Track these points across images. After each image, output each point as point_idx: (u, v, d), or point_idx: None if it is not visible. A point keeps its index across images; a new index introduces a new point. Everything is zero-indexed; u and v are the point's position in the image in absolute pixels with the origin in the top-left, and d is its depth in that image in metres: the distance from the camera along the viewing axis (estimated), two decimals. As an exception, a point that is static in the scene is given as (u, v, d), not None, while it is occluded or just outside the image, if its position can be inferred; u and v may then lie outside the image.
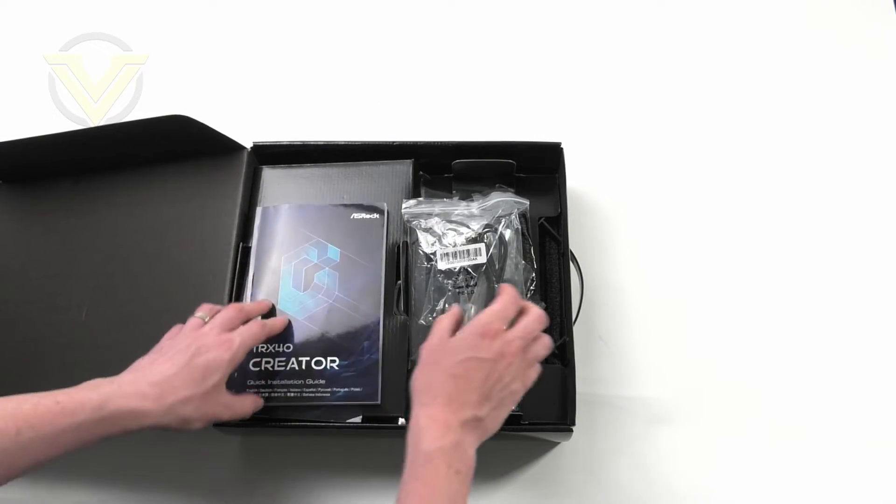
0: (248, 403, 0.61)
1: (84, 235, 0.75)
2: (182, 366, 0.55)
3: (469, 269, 0.68)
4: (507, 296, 0.57)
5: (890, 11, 0.93)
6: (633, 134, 0.87)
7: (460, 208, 0.71)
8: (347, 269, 0.70)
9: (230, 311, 0.61)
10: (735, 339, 0.75)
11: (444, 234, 0.69)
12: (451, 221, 0.70)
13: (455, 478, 0.49)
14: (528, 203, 0.74)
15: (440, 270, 0.68)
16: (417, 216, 0.71)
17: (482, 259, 0.68)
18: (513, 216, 0.70)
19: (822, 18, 0.94)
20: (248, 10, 0.98)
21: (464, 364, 0.53)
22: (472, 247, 0.68)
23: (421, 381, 0.54)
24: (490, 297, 0.67)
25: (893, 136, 0.86)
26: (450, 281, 0.68)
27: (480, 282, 0.68)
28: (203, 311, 0.62)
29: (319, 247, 0.71)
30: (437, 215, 0.70)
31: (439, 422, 0.51)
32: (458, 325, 0.58)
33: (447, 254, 0.69)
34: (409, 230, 0.71)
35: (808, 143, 0.85)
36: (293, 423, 0.65)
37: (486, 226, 0.69)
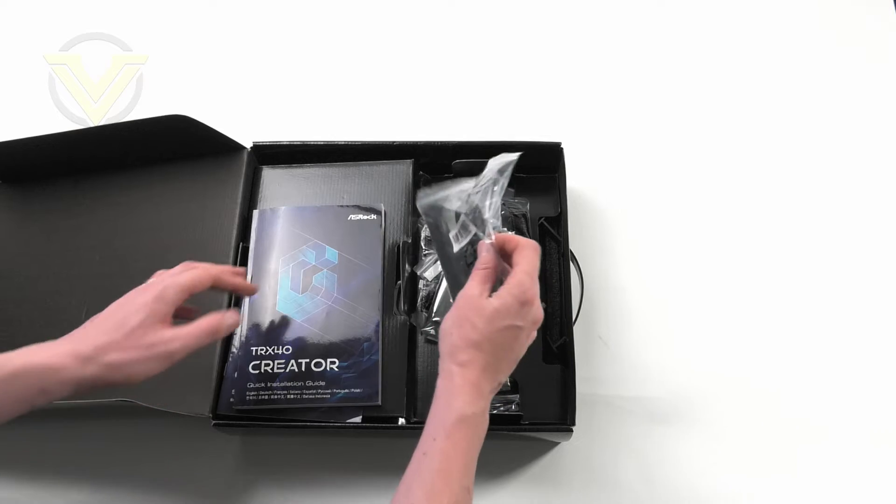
0: (202, 326, 0.55)
1: (84, 235, 0.75)
2: (100, 319, 0.53)
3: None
4: (535, 252, 0.55)
5: (890, 11, 0.93)
6: (634, 134, 0.87)
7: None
8: (346, 271, 0.70)
9: (178, 267, 0.59)
10: (735, 339, 0.75)
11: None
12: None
13: (478, 444, 0.52)
14: (528, 203, 0.74)
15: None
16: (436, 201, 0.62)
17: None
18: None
19: (822, 18, 0.94)
20: (248, 11, 0.98)
21: (505, 332, 0.52)
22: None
23: (459, 335, 0.52)
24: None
25: (893, 136, 0.86)
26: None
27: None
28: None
29: (317, 248, 0.71)
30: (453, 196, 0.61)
31: (475, 387, 0.51)
32: (495, 277, 0.56)
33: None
34: (427, 216, 0.61)
35: (809, 142, 0.85)
36: (293, 423, 0.65)
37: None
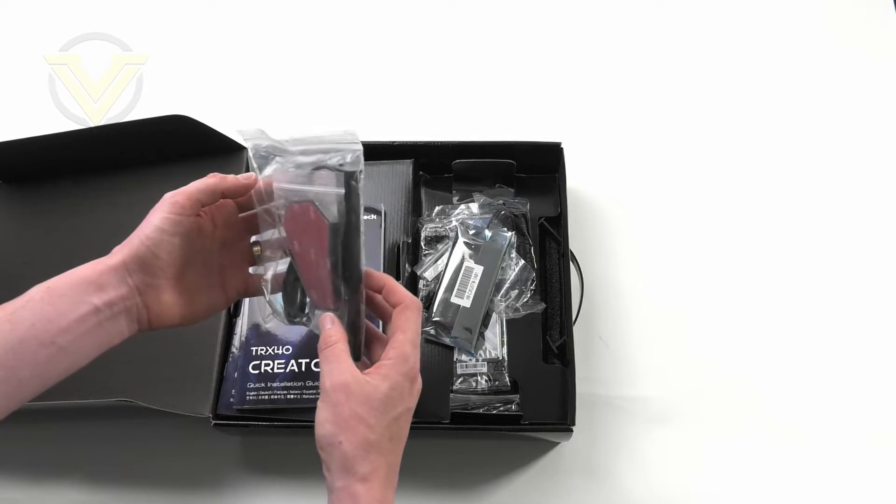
0: (204, 181, 0.50)
1: (84, 235, 0.75)
2: None
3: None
4: (418, 314, 0.49)
5: (890, 11, 0.93)
6: (633, 134, 0.87)
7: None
8: (347, 270, 0.70)
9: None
10: (735, 339, 0.75)
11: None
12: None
13: None
14: (528, 203, 0.75)
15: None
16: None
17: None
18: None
19: (823, 18, 0.94)
20: (247, 11, 0.98)
21: (400, 421, 0.46)
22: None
23: (351, 442, 0.44)
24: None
25: (893, 135, 0.86)
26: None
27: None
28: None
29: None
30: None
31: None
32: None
33: None
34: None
35: (808, 142, 0.85)
36: (293, 423, 0.65)
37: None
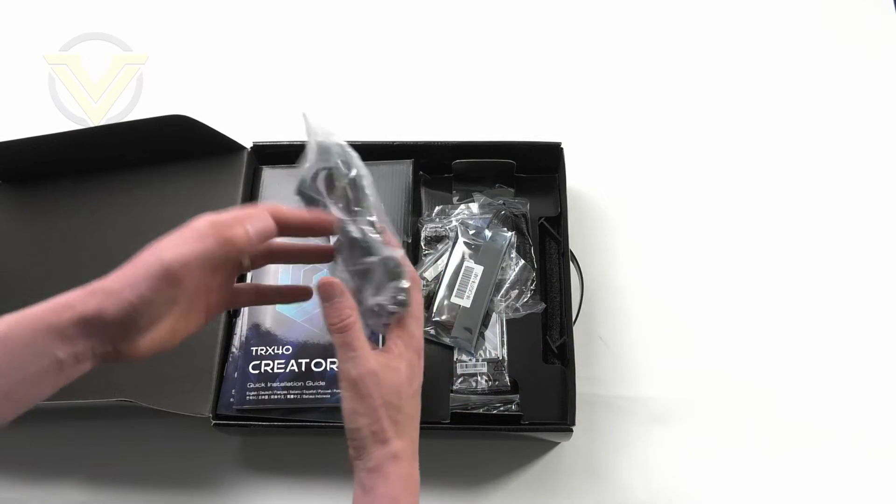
0: (196, 223, 0.44)
1: (84, 235, 0.75)
2: None
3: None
4: (419, 289, 0.49)
5: (890, 11, 0.93)
6: (634, 134, 0.87)
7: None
8: (347, 270, 0.70)
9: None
10: (735, 339, 0.75)
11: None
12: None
13: None
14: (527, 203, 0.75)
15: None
16: None
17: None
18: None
19: (822, 18, 0.94)
20: (247, 11, 0.98)
21: (416, 397, 0.47)
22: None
23: (384, 428, 0.45)
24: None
25: (893, 136, 0.86)
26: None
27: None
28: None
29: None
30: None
31: (416, 481, 0.46)
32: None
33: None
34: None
35: (808, 142, 0.85)
36: (293, 423, 0.65)
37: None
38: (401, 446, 0.45)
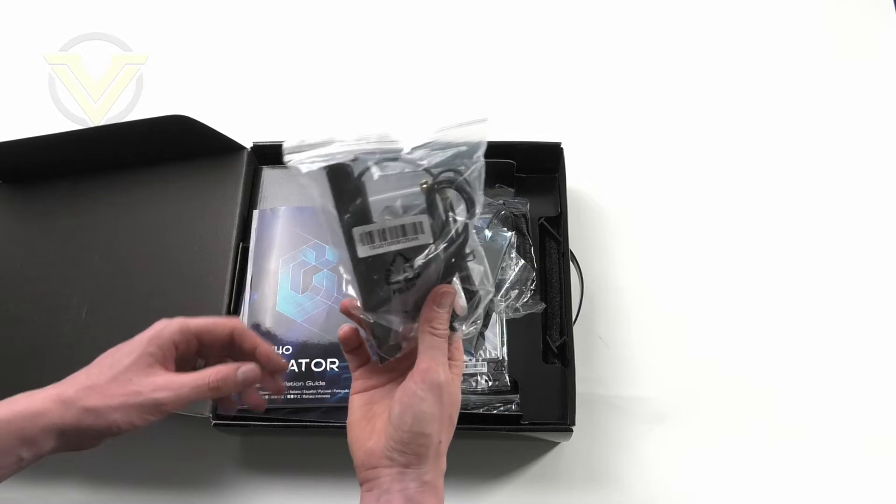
0: (204, 376, 0.47)
1: (84, 235, 0.75)
2: (95, 362, 0.48)
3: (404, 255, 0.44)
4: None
5: (890, 12, 0.93)
6: (634, 134, 0.87)
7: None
8: (347, 270, 0.70)
9: None
10: (734, 339, 0.75)
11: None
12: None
13: None
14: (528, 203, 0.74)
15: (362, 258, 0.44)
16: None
17: (426, 238, 0.43)
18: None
19: (822, 19, 0.94)
20: (247, 11, 0.98)
21: (455, 419, 0.47)
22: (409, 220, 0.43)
23: (445, 440, 0.46)
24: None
25: (893, 136, 0.86)
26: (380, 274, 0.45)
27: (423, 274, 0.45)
28: None
29: (317, 248, 0.71)
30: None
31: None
32: None
33: (370, 233, 0.43)
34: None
35: (808, 143, 0.85)
36: (293, 423, 0.65)
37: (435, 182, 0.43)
38: (444, 465, 0.46)
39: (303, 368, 0.66)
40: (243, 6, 0.98)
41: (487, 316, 0.67)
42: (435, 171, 0.42)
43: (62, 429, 0.44)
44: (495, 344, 0.69)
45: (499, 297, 0.71)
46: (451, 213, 0.43)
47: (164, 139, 0.75)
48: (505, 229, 0.73)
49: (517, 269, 0.71)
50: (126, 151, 0.77)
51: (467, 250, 0.45)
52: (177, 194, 0.76)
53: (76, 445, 0.46)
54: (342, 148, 0.41)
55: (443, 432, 0.45)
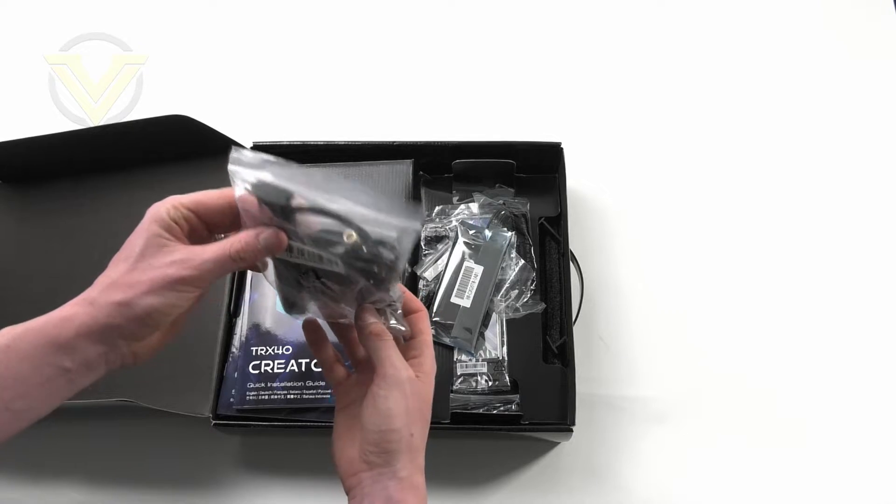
0: (226, 244, 0.43)
1: (84, 235, 0.75)
2: (108, 267, 0.44)
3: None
4: (427, 317, 0.51)
5: (890, 12, 0.93)
6: (634, 134, 0.87)
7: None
8: (347, 270, 0.70)
9: None
10: (735, 339, 0.75)
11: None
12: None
13: None
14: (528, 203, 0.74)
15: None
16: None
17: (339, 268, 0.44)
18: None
19: (823, 19, 0.94)
20: (247, 11, 0.98)
21: (429, 420, 0.48)
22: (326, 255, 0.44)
23: (418, 433, 0.46)
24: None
25: (893, 136, 0.86)
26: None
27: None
28: None
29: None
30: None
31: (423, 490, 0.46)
32: None
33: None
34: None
35: (809, 143, 0.85)
36: (293, 423, 0.65)
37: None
38: (422, 461, 0.46)
39: (303, 368, 0.66)
40: (243, 6, 0.98)
41: (487, 316, 0.68)
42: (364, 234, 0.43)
43: (97, 330, 0.41)
44: (495, 344, 0.69)
45: (499, 297, 0.71)
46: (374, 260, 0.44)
47: (164, 139, 0.75)
48: (505, 229, 0.73)
49: (517, 269, 0.71)
50: (126, 151, 0.77)
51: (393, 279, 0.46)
52: (177, 194, 0.76)
53: (123, 349, 0.43)
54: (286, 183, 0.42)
55: (413, 426, 0.45)
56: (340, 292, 0.46)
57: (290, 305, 0.50)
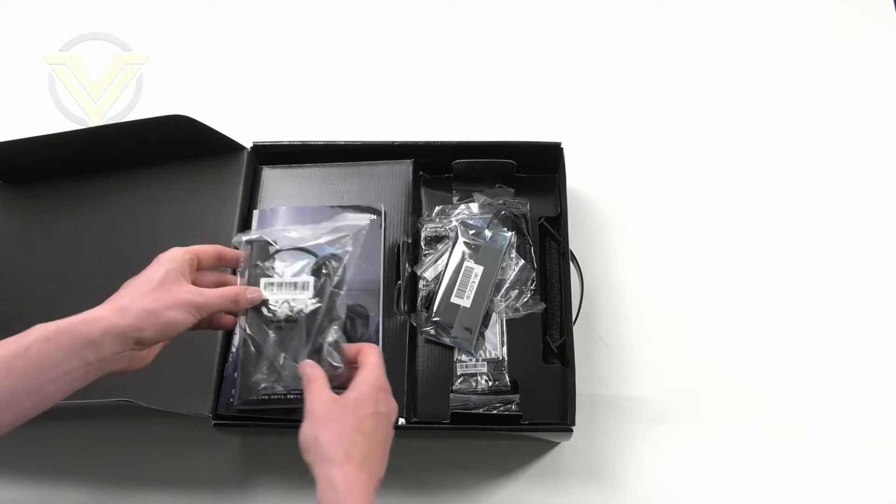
0: (225, 291, 0.56)
1: (84, 235, 0.75)
2: (127, 284, 0.53)
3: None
4: (378, 351, 0.56)
5: (890, 11, 0.93)
6: (634, 134, 0.87)
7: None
8: (347, 270, 0.70)
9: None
10: (734, 339, 0.75)
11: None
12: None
13: None
14: (527, 203, 0.74)
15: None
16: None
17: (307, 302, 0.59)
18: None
19: (823, 19, 0.94)
20: (248, 11, 0.98)
21: (370, 419, 0.51)
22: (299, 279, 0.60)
23: (327, 437, 0.50)
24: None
25: (893, 136, 0.86)
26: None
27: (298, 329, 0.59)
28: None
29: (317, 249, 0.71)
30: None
31: (359, 486, 0.48)
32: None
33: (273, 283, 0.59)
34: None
35: (808, 142, 0.85)
36: (293, 423, 0.64)
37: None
38: (341, 456, 0.49)
39: (303, 368, 0.65)
40: (243, 6, 0.98)
41: (487, 316, 0.69)
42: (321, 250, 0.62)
43: (122, 330, 0.48)
44: (495, 344, 0.69)
45: (499, 297, 0.71)
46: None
47: (164, 139, 0.75)
48: (505, 229, 0.73)
49: (517, 269, 0.71)
50: (126, 151, 0.77)
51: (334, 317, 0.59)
52: (177, 194, 0.76)
53: (134, 354, 0.51)
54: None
55: (319, 433, 0.51)
56: (295, 347, 0.58)
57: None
